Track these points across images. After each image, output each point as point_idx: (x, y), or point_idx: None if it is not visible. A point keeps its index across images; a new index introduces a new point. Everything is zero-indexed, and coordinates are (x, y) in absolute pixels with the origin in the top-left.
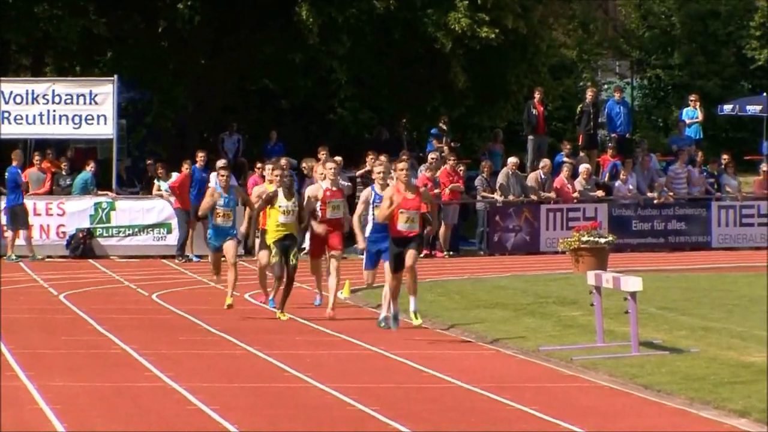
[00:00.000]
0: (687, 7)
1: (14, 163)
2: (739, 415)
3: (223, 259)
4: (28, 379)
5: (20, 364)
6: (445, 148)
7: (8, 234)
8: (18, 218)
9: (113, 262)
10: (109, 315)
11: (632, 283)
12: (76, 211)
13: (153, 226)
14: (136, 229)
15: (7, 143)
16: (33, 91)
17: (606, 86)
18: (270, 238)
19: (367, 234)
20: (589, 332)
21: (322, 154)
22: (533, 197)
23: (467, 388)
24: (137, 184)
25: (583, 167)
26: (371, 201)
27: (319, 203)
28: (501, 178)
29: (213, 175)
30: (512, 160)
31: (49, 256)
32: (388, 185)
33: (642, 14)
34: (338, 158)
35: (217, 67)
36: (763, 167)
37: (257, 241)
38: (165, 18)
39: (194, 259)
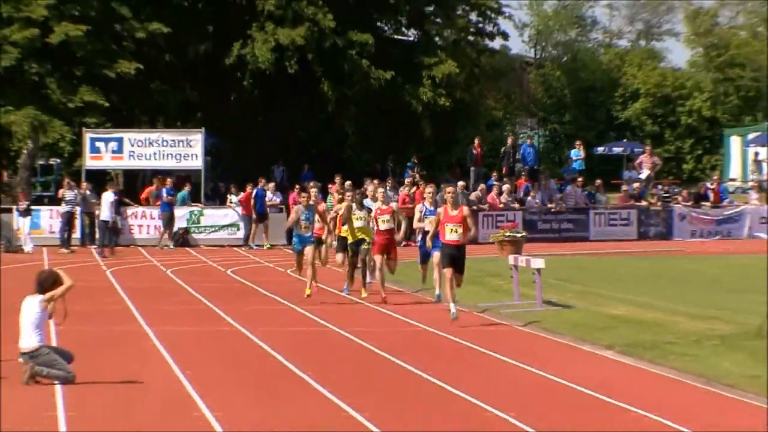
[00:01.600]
0: (575, 83)
1: (156, 185)
2: (606, 348)
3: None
4: (147, 326)
5: (142, 316)
6: (417, 175)
7: (162, 230)
8: (166, 221)
9: (202, 250)
10: (199, 284)
11: (538, 263)
12: (178, 216)
13: (227, 226)
14: (217, 228)
15: (131, 172)
16: (149, 138)
17: (521, 135)
18: (350, 240)
19: (419, 239)
20: (510, 295)
21: (337, 180)
22: (474, 208)
23: (430, 331)
24: (216, 199)
25: (506, 188)
26: (423, 212)
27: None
28: None
29: (268, 194)
30: (461, 183)
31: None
32: (436, 201)
33: (545, 88)
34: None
35: (269, 125)
36: (624, 188)
37: (334, 243)
38: (234, 91)
39: (254, 247)
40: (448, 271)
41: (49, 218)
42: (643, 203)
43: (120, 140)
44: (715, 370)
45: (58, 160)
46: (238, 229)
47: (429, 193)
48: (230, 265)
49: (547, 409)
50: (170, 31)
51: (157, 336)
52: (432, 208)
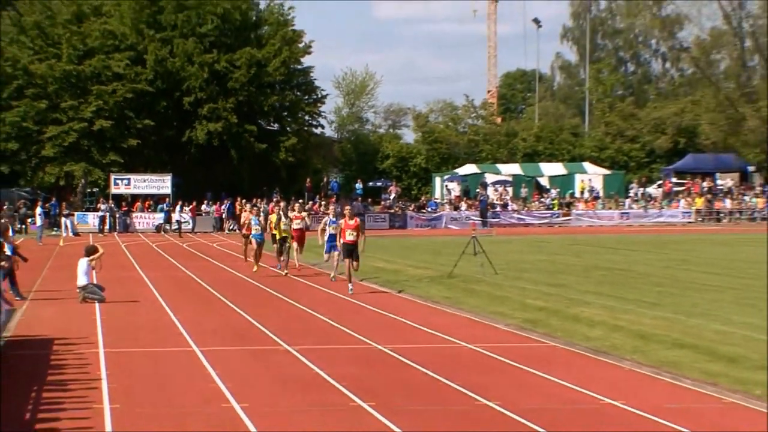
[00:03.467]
0: (357, 150)
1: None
2: (373, 284)
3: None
4: (141, 272)
5: (139, 267)
6: (279, 197)
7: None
8: (166, 220)
9: (170, 235)
10: (169, 252)
11: (340, 241)
12: (157, 217)
13: (184, 223)
14: (181, 223)
15: (134, 195)
16: (143, 178)
17: (332, 176)
18: (278, 237)
19: (326, 237)
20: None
21: (239, 199)
22: (305, 213)
23: (298, 280)
24: (179, 209)
25: (322, 203)
26: (328, 223)
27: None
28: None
29: (204, 206)
30: (299, 201)
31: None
32: (337, 216)
33: (342, 153)
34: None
35: (204, 172)
36: (382, 203)
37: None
38: (186, 155)
39: (196, 233)
40: (347, 261)
41: (93, 219)
42: (392, 211)
43: (129, 179)
44: (428, 294)
45: (97, 189)
46: (189, 225)
47: (332, 209)
48: (185, 243)
49: (344, 314)
50: (154, 124)
51: (146, 277)
52: (334, 219)
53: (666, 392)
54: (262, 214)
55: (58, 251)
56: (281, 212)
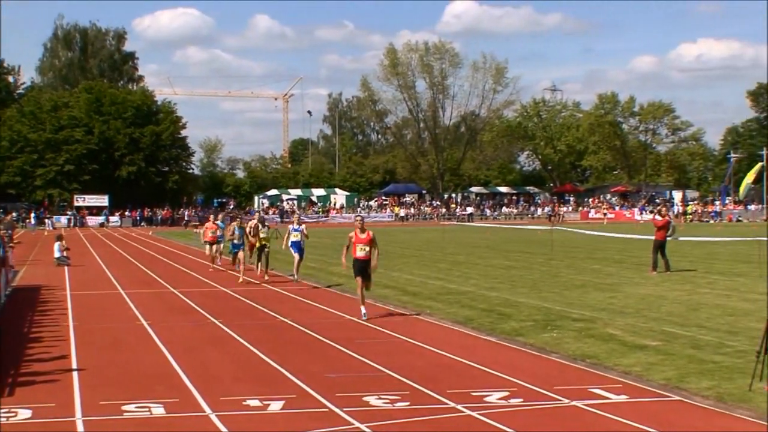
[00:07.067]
0: (213, 180)
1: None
2: (226, 256)
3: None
4: (91, 248)
5: (89, 245)
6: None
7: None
8: (105, 220)
9: (114, 230)
10: (108, 238)
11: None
12: (104, 220)
13: (116, 222)
14: (116, 224)
15: (89, 207)
16: (92, 197)
17: (198, 196)
18: (257, 245)
19: (290, 243)
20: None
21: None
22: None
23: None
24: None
25: (294, 215)
26: (290, 230)
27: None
28: (252, 223)
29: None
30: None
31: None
32: (300, 223)
33: (204, 182)
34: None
35: (127, 194)
36: (225, 210)
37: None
38: (117, 184)
39: (123, 227)
40: (358, 280)
41: (63, 220)
42: (231, 215)
43: (84, 197)
44: (251, 261)
45: (66, 203)
46: (117, 223)
47: (295, 218)
48: (118, 233)
49: (210, 276)
50: (98, 167)
51: (93, 251)
52: (297, 227)
53: (380, 312)
54: (236, 228)
55: (43, 238)
56: (259, 224)
